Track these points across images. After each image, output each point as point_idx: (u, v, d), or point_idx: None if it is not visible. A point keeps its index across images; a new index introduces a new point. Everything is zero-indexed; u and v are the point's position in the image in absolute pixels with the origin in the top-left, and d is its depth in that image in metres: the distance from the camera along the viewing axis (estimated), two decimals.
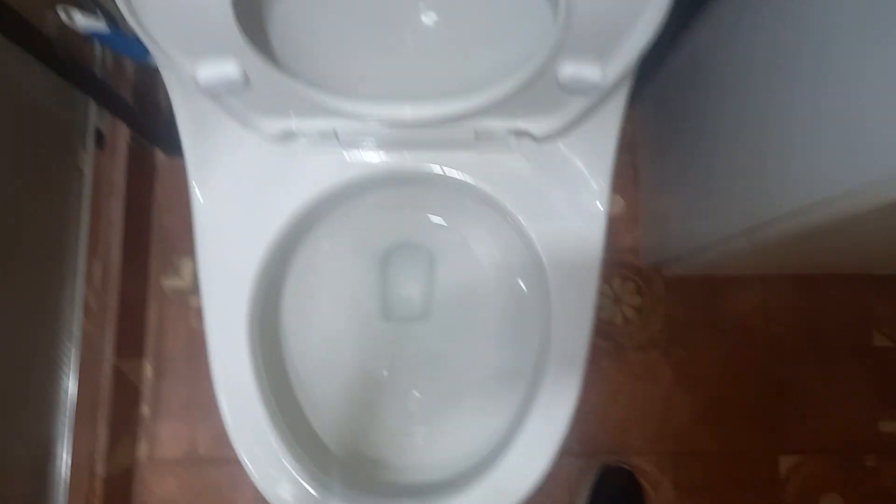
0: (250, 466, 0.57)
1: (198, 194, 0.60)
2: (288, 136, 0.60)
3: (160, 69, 0.53)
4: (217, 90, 0.50)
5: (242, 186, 0.60)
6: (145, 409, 0.88)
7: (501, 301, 0.74)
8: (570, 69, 0.50)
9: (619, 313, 0.96)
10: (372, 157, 0.62)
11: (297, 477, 0.56)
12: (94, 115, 0.79)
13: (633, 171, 0.96)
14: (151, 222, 0.91)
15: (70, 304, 0.78)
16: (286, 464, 0.57)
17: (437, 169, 0.63)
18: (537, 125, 0.58)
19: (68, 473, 0.75)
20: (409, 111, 0.52)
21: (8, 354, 0.68)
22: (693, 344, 0.95)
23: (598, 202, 0.62)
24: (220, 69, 0.48)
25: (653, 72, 0.85)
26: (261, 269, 0.60)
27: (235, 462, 0.88)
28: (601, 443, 0.92)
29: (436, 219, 0.76)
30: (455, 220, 0.76)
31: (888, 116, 0.43)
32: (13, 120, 0.66)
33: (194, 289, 0.91)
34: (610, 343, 0.95)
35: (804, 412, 0.94)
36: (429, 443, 0.68)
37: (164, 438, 0.87)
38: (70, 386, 0.77)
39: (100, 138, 0.80)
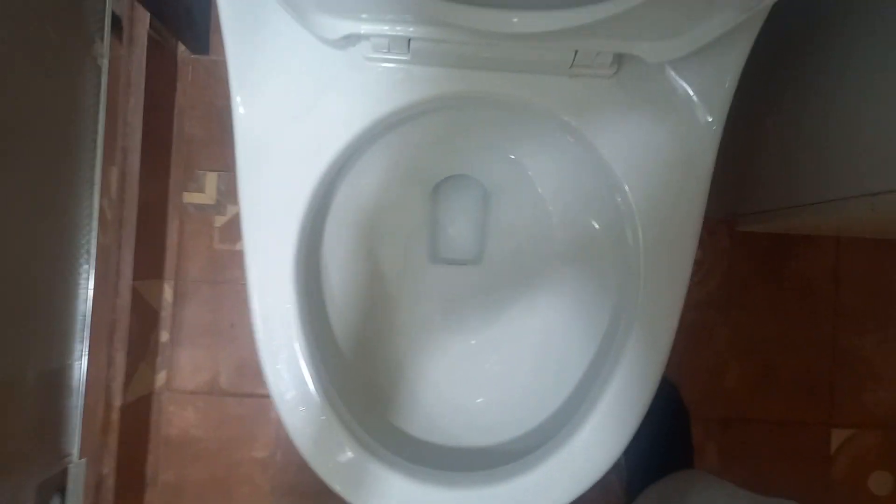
0: (293, 428, 0.50)
1: (239, 103, 0.50)
2: (349, 40, 0.49)
3: None
4: None
5: (292, 96, 0.50)
6: (164, 335, 0.82)
7: (569, 249, 0.65)
8: None
9: None
10: (442, 75, 0.52)
11: (348, 445, 0.50)
12: None
13: None
14: (172, 128, 0.82)
15: (87, 215, 0.69)
16: (339, 430, 0.50)
17: (517, 94, 0.53)
18: (654, 48, 0.48)
19: (82, 402, 0.69)
20: (517, 22, 0.42)
21: (18, 268, 0.60)
22: (753, 305, 0.88)
23: (706, 141, 0.53)
24: None
25: None
26: (311, 196, 0.51)
27: (259, 396, 0.84)
28: None
29: (499, 150, 0.67)
30: (521, 152, 0.66)
31: None
32: None
33: (218, 206, 0.82)
34: None
35: (862, 385, 0.88)
36: (487, 401, 0.62)
37: (183, 367, 0.82)
38: (86, 307, 0.70)
39: (116, 25, 0.69)
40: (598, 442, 0.52)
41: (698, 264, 0.87)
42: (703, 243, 0.88)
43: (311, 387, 0.51)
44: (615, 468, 0.86)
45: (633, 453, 0.84)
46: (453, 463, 0.57)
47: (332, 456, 0.51)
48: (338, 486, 0.51)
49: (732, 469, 0.87)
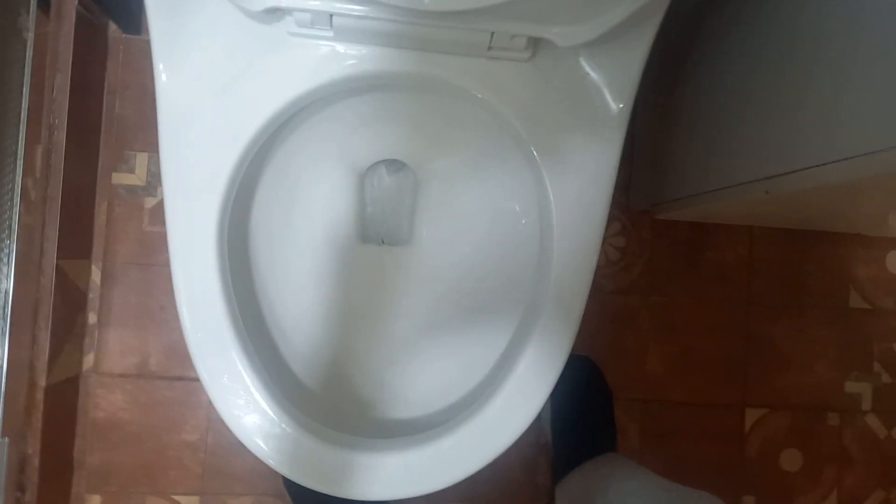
0: (216, 396, 0.51)
1: (161, 71, 0.51)
2: (273, 15, 0.51)
3: None
4: None
5: (216, 69, 0.51)
6: (92, 317, 0.80)
7: (494, 232, 0.68)
8: None
9: (601, 254, 0.92)
10: (365, 54, 0.54)
11: (266, 408, 0.51)
12: None
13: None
14: (102, 108, 0.81)
15: (9, 192, 0.68)
16: (255, 393, 0.51)
17: (437, 73, 0.55)
18: (566, 32, 0.51)
19: (4, 380, 0.67)
20: (428, 2, 0.44)
21: None
22: (673, 292, 0.93)
23: (615, 123, 0.56)
24: None
25: None
26: (233, 171, 0.52)
27: (189, 379, 0.83)
28: None
29: (426, 133, 0.69)
30: (447, 135, 0.69)
31: None
32: None
33: (148, 187, 0.82)
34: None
35: (773, 368, 0.94)
36: (411, 377, 0.64)
37: (112, 349, 0.81)
38: (8, 284, 0.69)
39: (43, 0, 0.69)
40: (510, 409, 0.55)
41: (622, 252, 0.92)
42: (626, 233, 0.92)
43: (236, 359, 0.52)
44: (542, 449, 0.90)
45: (558, 434, 0.87)
46: (376, 432, 0.59)
47: (260, 429, 0.51)
48: (272, 462, 0.52)
49: (653, 449, 0.91)
